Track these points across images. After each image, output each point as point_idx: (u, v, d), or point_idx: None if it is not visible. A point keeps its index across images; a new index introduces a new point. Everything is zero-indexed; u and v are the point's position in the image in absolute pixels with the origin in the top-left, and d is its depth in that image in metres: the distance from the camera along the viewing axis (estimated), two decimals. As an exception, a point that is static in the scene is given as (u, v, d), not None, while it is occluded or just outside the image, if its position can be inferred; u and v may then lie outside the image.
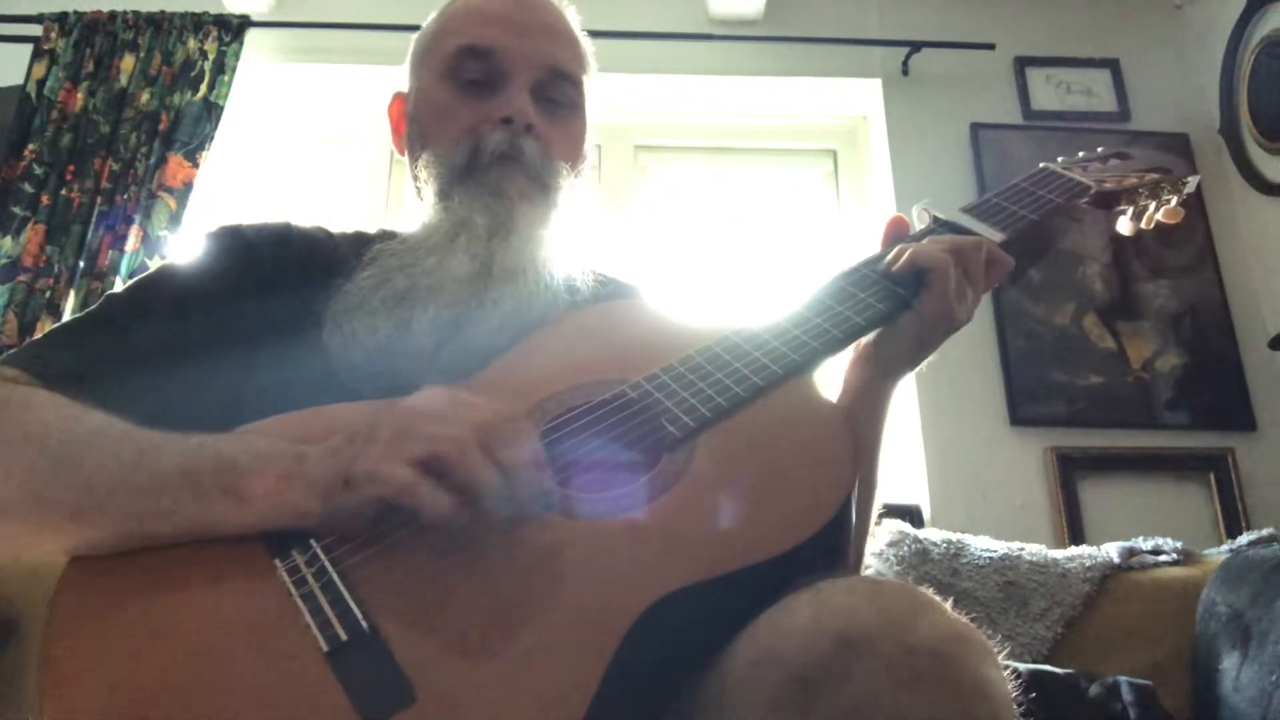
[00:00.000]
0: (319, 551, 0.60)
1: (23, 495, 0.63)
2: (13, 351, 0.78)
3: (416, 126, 0.95)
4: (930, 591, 0.54)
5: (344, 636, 0.55)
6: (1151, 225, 0.98)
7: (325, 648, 0.54)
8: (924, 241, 0.81)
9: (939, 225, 0.87)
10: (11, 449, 0.65)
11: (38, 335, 0.81)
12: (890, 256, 0.82)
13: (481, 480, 0.58)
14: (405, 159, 0.98)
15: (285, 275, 0.87)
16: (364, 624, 0.55)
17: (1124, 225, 0.98)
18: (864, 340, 0.82)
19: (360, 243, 0.94)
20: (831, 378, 0.79)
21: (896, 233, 0.87)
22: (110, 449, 0.65)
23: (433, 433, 0.60)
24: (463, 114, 0.90)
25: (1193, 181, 0.99)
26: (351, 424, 0.65)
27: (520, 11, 0.94)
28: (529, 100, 0.90)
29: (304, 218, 0.96)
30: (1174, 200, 0.98)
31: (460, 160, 0.88)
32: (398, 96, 1.02)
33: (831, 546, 0.64)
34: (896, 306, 0.78)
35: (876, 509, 0.83)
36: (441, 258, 0.85)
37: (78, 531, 0.62)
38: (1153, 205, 0.98)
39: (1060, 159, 0.99)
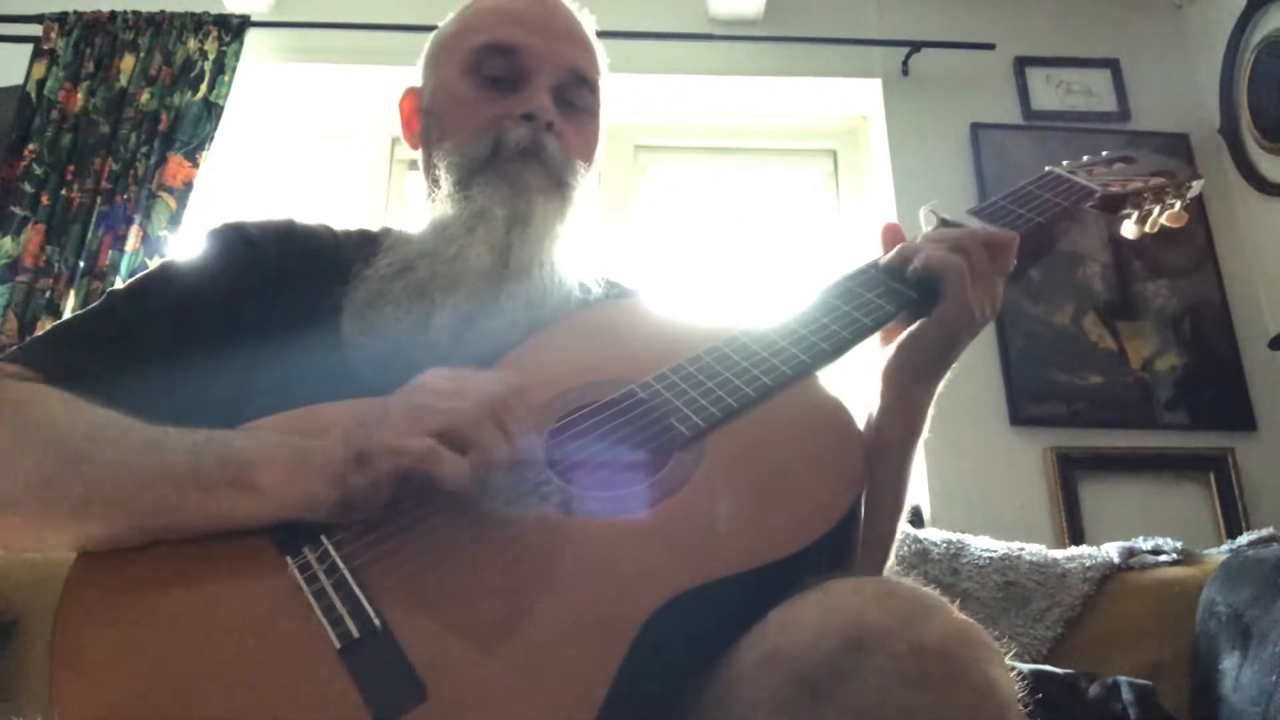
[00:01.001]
0: (330, 548, 0.60)
1: (30, 490, 0.63)
2: (15, 348, 0.78)
3: (434, 119, 0.95)
4: (936, 592, 0.54)
5: (356, 633, 0.55)
6: (1155, 229, 0.99)
7: (337, 644, 0.54)
8: (929, 243, 0.81)
9: (946, 227, 0.87)
10: (18, 444, 0.65)
11: (38, 333, 0.81)
12: (893, 258, 0.81)
13: (495, 449, 0.61)
14: (419, 153, 0.98)
15: (288, 273, 0.87)
16: (376, 621, 0.55)
17: (1128, 229, 0.99)
18: (889, 352, 0.82)
19: (364, 241, 0.94)
20: (840, 378, 0.78)
21: (893, 240, 0.87)
22: (117, 443, 0.65)
23: (448, 407, 0.62)
24: (484, 108, 0.91)
25: (1197, 185, 0.99)
26: (354, 419, 0.66)
27: (544, 14, 0.95)
28: (551, 99, 0.91)
29: (306, 217, 0.96)
30: (1178, 204, 0.98)
31: (482, 152, 0.89)
32: (410, 92, 1.02)
33: (841, 547, 0.64)
34: (902, 307, 0.78)
35: (905, 518, 0.83)
36: (460, 248, 0.86)
37: (85, 526, 0.62)
38: (1157, 209, 0.98)
39: (1065, 162, 0.99)
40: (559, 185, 0.90)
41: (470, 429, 0.61)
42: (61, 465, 0.64)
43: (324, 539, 0.61)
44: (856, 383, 0.82)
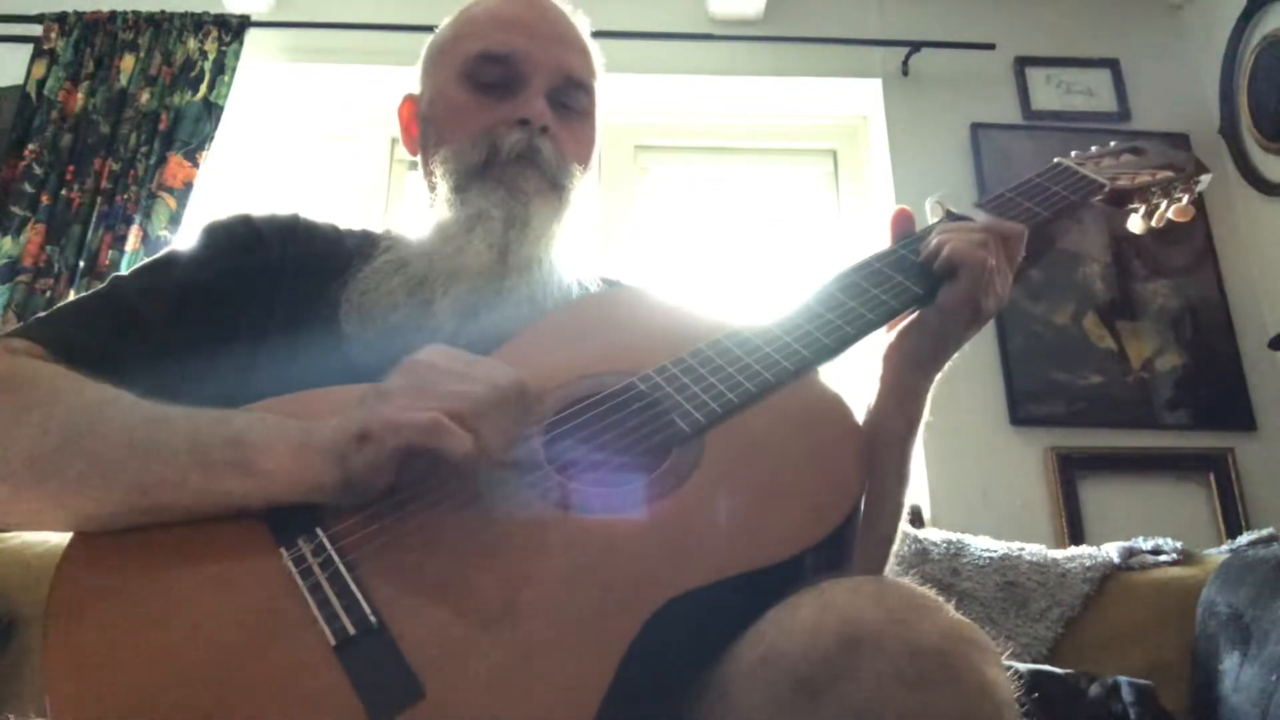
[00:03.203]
0: (325, 541, 0.60)
1: (31, 464, 0.63)
2: (21, 325, 0.78)
3: (431, 126, 0.96)
4: (934, 592, 0.54)
5: (352, 630, 0.54)
6: (1162, 223, 0.98)
7: (333, 641, 0.54)
8: (955, 233, 0.79)
9: (953, 219, 0.86)
10: (20, 418, 0.65)
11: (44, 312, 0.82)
12: (932, 248, 0.79)
13: (500, 437, 0.60)
14: (418, 158, 0.99)
15: (291, 266, 0.88)
16: (372, 618, 0.55)
17: (1135, 224, 0.98)
18: (890, 339, 0.82)
19: (367, 241, 0.94)
20: (845, 374, 0.78)
21: (903, 226, 0.87)
22: (119, 420, 0.65)
23: (452, 389, 0.61)
24: (480, 114, 0.91)
25: (1205, 179, 0.98)
26: (355, 400, 0.65)
27: (537, 19, 0.96)
28: (545, 104, 0.92)
29: (310, 214, 0.96)
30: (1185, 199, 0.97)
31: (478, 158, 0.90)
32: (408, 99, 1.03)
33: (840, 546, 0.64)
34: (908, 302, 0.78)
35: (906, 510, 0.83)
36: (460, 246, 0.86)
37: (84, 502, 0.62)
38: (1164, 203, 0.97)
39: (1074, 154, 0.97)
40: (555, 188, 0.91)
41: (476, 413, 0.60)
42: (64, 440, 0.64)
43: (319, 531, 0.61)
44: (860, 377, 0.82)
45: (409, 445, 0.59)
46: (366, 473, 0.61)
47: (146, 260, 0.87)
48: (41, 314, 0.81)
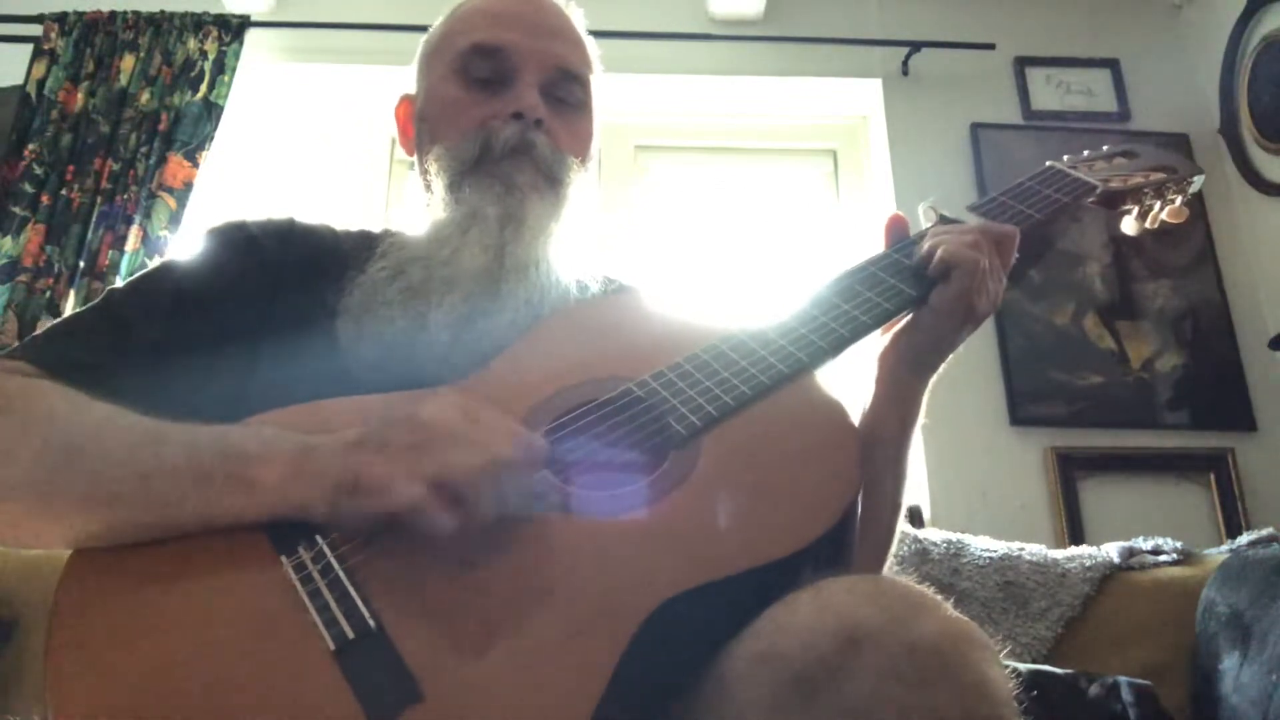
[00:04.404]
0: (325, 548, 0.60)
1: (30, 482, 0.63)
2: (15, 346, 0.78)
3: (425, 124, 0.96)
4: (932, 591, 0.54)
5: (351, 635, 0.55)
6: (1156, 225, 0.98)
7: (332, 646, 0.54)
8: (950, 235, 0.80)
9: (945, 223, 0.86)
10: (19, 437, 0.65)
11: (38, 331, 0.81)
12: (925, 250, 0.80)
13: (487, 511, 0.59)
14: (414, 159, 0.99)
15: (288, 273, 0.87)
16: (371, 622, 0.55)
17: (1128, 225, 0.98)
18: (886, 341, 0.82)
19: (365, 241, 0.94)
20: (846, 373, 0.78)
21: (896, 231, 0.87)
22: (118, 437, 0.65)
23: (448, 459, 0.60)
24: (473, 110, 0.91)
25: (1198, 181, 0.98)
26: (358, 417, 0.65)
27: (529, 12, 0.95)
28: (539, 97, 0.91)
29: (307, 216, 0.96)
30: (1179, 200, 0.98)
31: (471, 153, 0.89)
32: (404, 99, 1.02)
33: (838, 545, 0.64)
34: (902, 304, 0.78)
35: (905, 510, 0.83)
36: (455, 249, 0.86)
37: (84, 519, 0.62)
38: (1158, 205, 0.97)
39: (1066, 157, 0.98)
40: (551, 182, 0.90)
41: (469, 488, 0.58)
42: (63, 459, 0.64)
43: (319, 538, 0.61)
44: (857, 378, 0.82)
45: (392, 514, 0.59)
46: (350, 520, 0.61)
47: (141, 271, 0.86)
48: (36, 333, 0.80)
